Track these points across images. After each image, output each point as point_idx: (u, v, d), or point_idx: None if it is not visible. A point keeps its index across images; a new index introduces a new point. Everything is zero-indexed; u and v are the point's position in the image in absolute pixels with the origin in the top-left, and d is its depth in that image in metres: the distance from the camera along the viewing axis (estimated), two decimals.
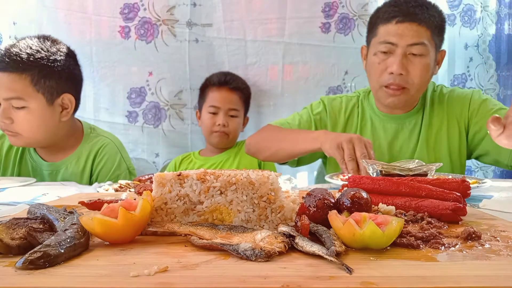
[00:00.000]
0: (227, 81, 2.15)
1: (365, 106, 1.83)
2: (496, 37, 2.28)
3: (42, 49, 1.60)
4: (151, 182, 0.82)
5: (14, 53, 1.55)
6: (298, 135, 1.69)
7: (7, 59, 1.54)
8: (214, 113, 2.14)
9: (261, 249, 0.57)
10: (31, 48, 1.58)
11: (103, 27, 2.26)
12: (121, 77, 2.30)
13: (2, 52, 1.56)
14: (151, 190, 0.75)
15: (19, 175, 1.77)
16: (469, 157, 1.77)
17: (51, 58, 1.61)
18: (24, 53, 1.55)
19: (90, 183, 1.74)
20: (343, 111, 1.83)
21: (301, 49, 2.28)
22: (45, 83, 1.59)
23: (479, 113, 1.68)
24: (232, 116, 2.16)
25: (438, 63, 1.71)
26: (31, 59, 1.56)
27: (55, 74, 1.61)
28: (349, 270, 0.52)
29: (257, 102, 2.36)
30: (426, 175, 1.15)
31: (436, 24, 1.61)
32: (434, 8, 1.64)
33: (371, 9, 2.25)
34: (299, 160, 1.86)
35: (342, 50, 2.28)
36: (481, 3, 2.27)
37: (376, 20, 1.68)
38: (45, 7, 2.24)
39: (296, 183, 1.43)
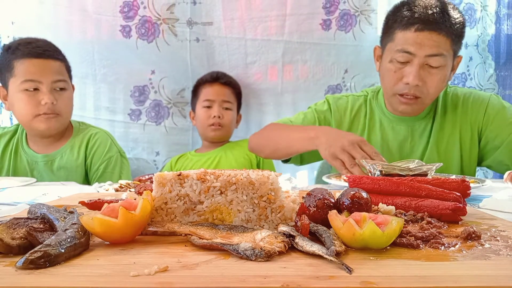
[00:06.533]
0: (218, 77, 2.23)
1: (373, 106, 1.79)
2: (495, 37, 2.28)
3: (57, 47, 1.87)
4: (151, 182, 0.82)
5: (50, 45, 1.82)
6: (294, 134, 1.64)
7: (49, 49, 1.80)
8: (208, 107, 2.20)
9: (261, 248, 0.58)
10: (53, 45, 1.85)
11: (103, 26, 2.25)
12: (123, 75, 2.31)
13: (38, 43, 1.80)
14: (151, 190, 0.75)
15: (15, 170, 1.87)
16: (479, 164, 1.71)
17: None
18: (55, 46, 1.84)
19: (85, 167, 1.89)
20: (348, 111, 1.79)
21: (300, 47, 2.27)
22: (69, 72, 1.89)
23: (495, 120, 1.61)
24: (226, 108, 2.22)
25: (453, 69, 1.63)
26: (60, 52, 1.85)
27: (69, 66, 1.90)
28: (349, 270, 0.52)
29: (257, 101, 2.37)
30: (426, 175, 1.15)
31: (456, 33, 1.53)
32: (455, 13, 1.54)
33: (374, 4, 2.24)
34: (302, 159, 1.84)
35: (342, 48, 2.26)
36: (481, 3, 2.26)
37: (393, 23, 1.59)
38: (44, 4, 2.24)
39: (296, 183, 1.43)
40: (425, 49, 1.49)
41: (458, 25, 1.53)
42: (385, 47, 1.64)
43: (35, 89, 1.74)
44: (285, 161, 1.86)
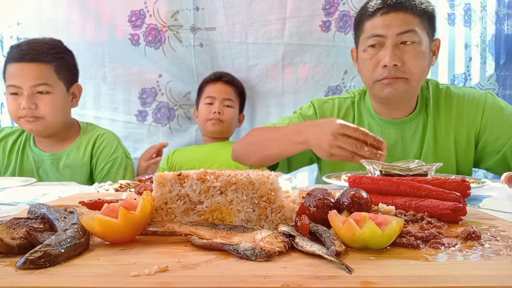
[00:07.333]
0: (221, 76, 2.30)
1: (361, 109, 1.74)
2: (495, 37, 2.29)
3: (56, 45, 1.83)
4: (151, 182, 0.82)
5: (37, 47, 1.76)
6: (281, 137, 1.58)
7: (32, 52, 1.74)
8: (210, 103, 2.27)
9: (261, 248, 0.57)
10: (48, 44, 1.80)
11: (114, 33, 2.33)
12: (131, 78, 2.38)
13: (23, 46, 1.76)
14: (151, 190, 0.75)
15: (21, 168, 1.89)
16: (475, 166, 1.68)
17: (63, 53, 1.85)
18: (45, 47, 1.78)
19: (90, 166, 1.91)
20: (335, 114, 1.74)
21: (300, 49, 2.31)
22: (64, 73, 1.82)
23: (494, 123, 1.57)
24: (227, 106, 2.27)
25: (434, 53, 1.61)
26: (52, 52, 1.79)
27: (70, 66, 1.87)
28: (349, 270, 0.52)
29: (260, 102, 2.43)
30: (426, 175, 1.15)
31: (423, 11, 1.53)
32: None
33: None
34: (290, 166, 1.80)
35: (342, 49, 2.28)
36: (481, 3, 2.27)
37: (361, 17, 1.61)
38: (54, 7, 2.28)
39: (296, 183, 1.43)
40: (394, 29, 1.50)
41: (424, 4, 1.53)
42: (358, 43, 1.64)
43: (18, 93, 1.75)
44: (272, 167, 1.78)
